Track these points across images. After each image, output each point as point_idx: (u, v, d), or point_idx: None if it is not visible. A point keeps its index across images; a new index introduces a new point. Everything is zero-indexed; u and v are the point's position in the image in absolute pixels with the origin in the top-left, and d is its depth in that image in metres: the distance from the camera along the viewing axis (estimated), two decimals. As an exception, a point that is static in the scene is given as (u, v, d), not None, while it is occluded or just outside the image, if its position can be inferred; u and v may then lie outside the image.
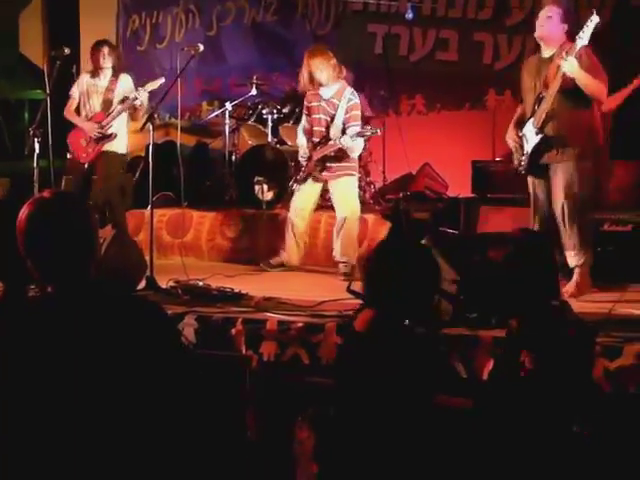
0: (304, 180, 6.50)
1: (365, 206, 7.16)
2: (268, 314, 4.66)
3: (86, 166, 6.86)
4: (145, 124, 5.85)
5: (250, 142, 8.29)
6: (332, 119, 6.33)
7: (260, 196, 7.65)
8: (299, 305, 4.87)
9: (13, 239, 2.28)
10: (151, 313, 2.33)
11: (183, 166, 6.41)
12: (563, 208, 5.23)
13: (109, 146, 6.84)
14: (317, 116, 6.42)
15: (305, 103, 6.58)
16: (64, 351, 2.16)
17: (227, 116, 8.32)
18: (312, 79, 6.37)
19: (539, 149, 5.29)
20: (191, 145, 9.06)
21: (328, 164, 6.38)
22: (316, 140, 6.43)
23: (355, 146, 6.27)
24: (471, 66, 8.27)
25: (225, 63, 9.65)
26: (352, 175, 6.45)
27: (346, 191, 6.42)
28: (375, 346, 2.85)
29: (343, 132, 6.25)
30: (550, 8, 5.27)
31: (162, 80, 6.76)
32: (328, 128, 6.35)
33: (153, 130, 5.82)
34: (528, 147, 5.33)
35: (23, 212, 2.27)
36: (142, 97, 6.66)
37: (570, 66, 5.00)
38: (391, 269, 2.94)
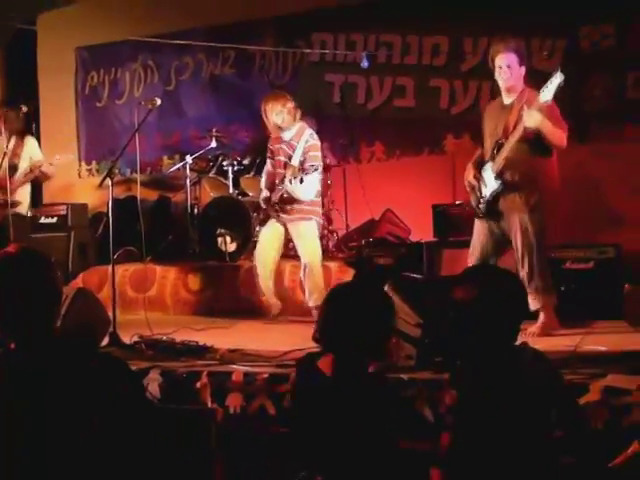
0: (264, 222, 6.51)
1: (328, 254, 7.17)
2: (233, 366, 4.62)
3: None
4: (104, 180, 5.81)
5: (212, 194, 8.30)
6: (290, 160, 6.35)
7: (223, 248, 7.64)
8: (264, 356, 4.84)
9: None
10: (114, 369, 2.32)
11: (145, 221, 6.39)
12: (523, 254, 5.27)
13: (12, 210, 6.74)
14: (278, 158, 6.49)
15: (269, 146, 6.64)
16: (26, 407, 2.13)
17: (188, 169, 8.35)
18: (271, 124, 6.43)
19: (497, 195, 5.34)
20: (153, 199, 9.07)
21: (287, 206, 6.38)
22: (277, 182, 6.44)
23: (300, 190, 6.23)
24: (428, 112, 8.35)
25: (184, 117, 9.68)
26: (309, 219, 6.40)
27: (304, 236, 6.40)
28: (340, 390, 2.85)
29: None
30: (506, 56, 5.25)
31: (72, 156, 6.88)
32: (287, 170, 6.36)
33: (112, 185, 5.80)
34: (486, 191, 5.38)
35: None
36: (51, 170, 6.82)
37: (533, 120, 5.04)
38: (345, 311, 2.93)
